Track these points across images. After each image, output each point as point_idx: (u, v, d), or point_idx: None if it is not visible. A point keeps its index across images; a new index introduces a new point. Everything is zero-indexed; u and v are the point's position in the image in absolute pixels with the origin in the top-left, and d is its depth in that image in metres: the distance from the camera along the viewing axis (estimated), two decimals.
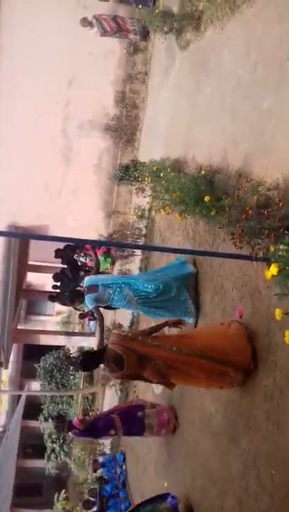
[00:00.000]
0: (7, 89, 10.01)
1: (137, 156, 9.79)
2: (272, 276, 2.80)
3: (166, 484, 6.36)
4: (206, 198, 4.46)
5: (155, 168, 6.37)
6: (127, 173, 8.07)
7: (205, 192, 4.65)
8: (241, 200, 4.07)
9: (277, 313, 2.92)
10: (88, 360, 4.62)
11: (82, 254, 9.82)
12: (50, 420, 15.00)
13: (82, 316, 9.63)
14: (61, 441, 14.01)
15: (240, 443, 4.38)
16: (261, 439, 3.99)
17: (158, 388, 7.09)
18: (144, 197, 7.12)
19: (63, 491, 13.55)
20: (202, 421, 5.37)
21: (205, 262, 5.72)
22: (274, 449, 3.78)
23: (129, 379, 4.55)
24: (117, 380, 4.78)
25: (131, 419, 6.24)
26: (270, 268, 2.74)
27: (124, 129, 10.25)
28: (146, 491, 7.48)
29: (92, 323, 11.52)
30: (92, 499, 9.19)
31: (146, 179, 6.73)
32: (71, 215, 10.17)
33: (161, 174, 5.96)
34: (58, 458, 14.12)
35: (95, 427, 6.20)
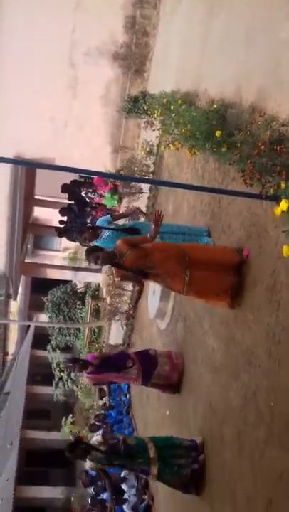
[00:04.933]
0: (10, 18, 9.43)
1: (146, 87, 9.36)
2: (282, 212, 2.74)
3: (168, 412, 6.67)
4: (217, 133, 4.29)
5: (165, 100, 6.09)
6: (136, 105, 7.74)
7: (216, 127, 4.47)
8: (254, 135, 3.91)
9: (285, 250, 2.89)
10: (93, 249, 4.78)
11: (90, 190, 9.70)
12: (58, 351, 15.60)
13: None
14: (68, 370, 14.60)
15: (240, 378, 4.52)
16: (261, 375, 4.11)
17: (163, 323, 7.25)
18: (154, 130, 6.88)
19: (70, 416, 14.33)
20: (205, 357, 5.52)
21: (213, 200, 5.62)
22: (274, 384, 3.90)
23: (134, 278, 4.72)
24: (120, 278, 4.94)
25: (144, 354, 6.34)
26: (280, 204, 2.67)
27: (133, 57, 9.72)
28: (149, 418, 7.89)
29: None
30: (97, 423, 9.73)
31: (156, 112, 6.46)
32: (77, 149, 9.93)
33: (172, 107, 5.71)
34: (66, 386, 14.80)
35: (111, 360, 6.19)
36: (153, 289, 7.52)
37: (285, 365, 3.75)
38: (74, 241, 11.97)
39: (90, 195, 9.56)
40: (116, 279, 5.81)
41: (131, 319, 9.28)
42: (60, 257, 15.57)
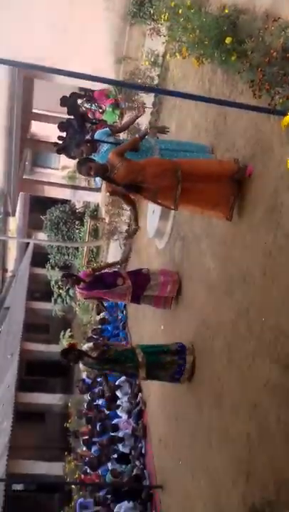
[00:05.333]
0: None
1: None
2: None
3: (162, 327, 6.93)
4: (228, 40, 4.02)
5: (173, 3, 5.63)
6: (142, 9, 7.17)
7: (227, 33, 4.18)
8: (265, 42, 3.66)
9: None
10: (84, 159, 4.72)
11: (91, 103, 9.30)
12: (56, 269, 15.85)
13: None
14: (67, 287, 14.93)
15: (234, 295, 4.63)
16: (255, 292, 4.21)
17: (161, 243, 7.29)
18: (160, 36, 6.44)
19: (68, 330, 14.93)
20: (200, 276, 5.62)
21: (218, 118, 5.41)
22: (266, 301, 4.00)
23: (124, 195, 4.63)
24: (112, 193, 4.84)
25: (136, 273, 6.42)
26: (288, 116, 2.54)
27: None
28: (144, 332, 8.21)
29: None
30: (94, 336, 10.14)
31: (163, 17, 6.01)
32: (78, 58, 9.36)
33: (180, 11, 5.29)
34: (64, 302, 15.22)
35: (103, 278, 6.28)
36: (152, 209, 7.48)
37: (279, 282, 3.82)
38: (73, 158, 11.71)
39: (91, 107, 9.15)
40: (106, 194, 5.61)
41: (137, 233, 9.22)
42: (59, 175, 15.29)
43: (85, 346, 5.57)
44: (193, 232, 6.10)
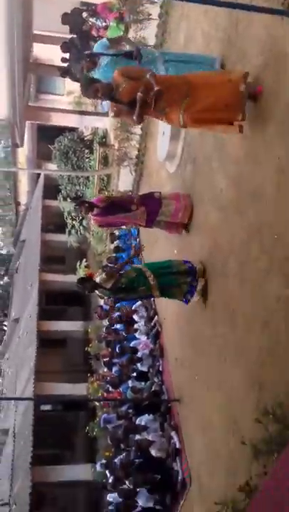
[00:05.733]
0: None
1: None
2: None
3: (175, 251, 6.96)
4: None
5: None
6: None
7: None
8: None
9: None
10: (88, 79, 4.55)
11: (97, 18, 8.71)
12: (68, 200, 15.76)
13: None
14: (80, 218, 14.93)
15: (246, 214, 4.57)
16: (267, 210, 4.14)
17: (172, 166, 7.13)
18: None
19: (84, 260, 15.13)
20: (212, 197, 5.53)
21: (230, 26, 5.03)
22: (279, 218, 3.94)
23: (129, 113, 4.42)
24: (117, 113, 4.64)
25: (149, 198, 6.32)
26: None
27: None
28: (158, 258, 8.26)
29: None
30: (110, 265, 10.28)
31: None
32: None
33: None
34: (78, 233, 15.26)
35: (116, 204, 6.23)
36: (163, 131, 7.23)
37: None
38: (79, 81, 11.21)
39: (96, 21, 8.56)
40: (111, 115, 5.30)
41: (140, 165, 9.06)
42: (65, 101, 14.71)
43: (98, 278, 5.65)
44: (204, 152, 5.92)
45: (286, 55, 3.86)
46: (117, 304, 9.43)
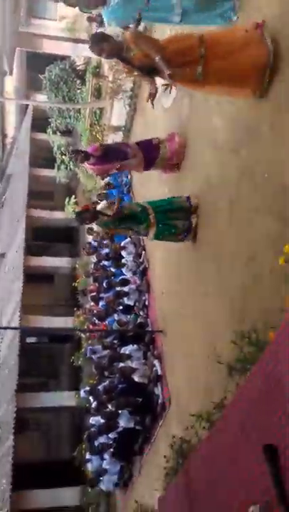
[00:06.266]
0: None
1: None
2: None
3: (166, 190, 7.00)
4: None
5: None
6: None
7: None
8: None
9: None
10: (100, 34, 4.29)
11: None
12: (58, 133, 15.38)
13: (89, 20, 8.66)
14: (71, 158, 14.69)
15: (240, 153, 4.61)
16: (261, 149, 4.19)
17: (168, 100, 7.00)
18: None
19: (73, 197, 15.03)
20: (207, 135, 5.51)
21: None
22: (272, 158, 4.00)
23: (140, 72, 4.24)
24: (128, 73, 4.48)
25: (146, 143, 6.31)
26: None
27: None
28: (150, 196, 8.29)
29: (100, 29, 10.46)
30: (99, 201, 10.27)
31: None
32: None
33: None
34: (68, 168, 15.02)
35: (112, 151, 6.17)
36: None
37: (286, 138, 3.78)
38: (72, 6, 10.62)
39: None
40: (123, 70, 4.97)
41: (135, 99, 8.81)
42: (57, 27, 13.96)
43: (100, 205, 5.69)
44: None
45: None
46: (105, 241, 9.57)
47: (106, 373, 8.19)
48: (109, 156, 6.12)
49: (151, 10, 4.72)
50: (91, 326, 10.01)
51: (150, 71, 4.13)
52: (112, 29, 5.15)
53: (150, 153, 6.22)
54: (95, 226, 5.82)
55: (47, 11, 14.61)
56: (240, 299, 4.37)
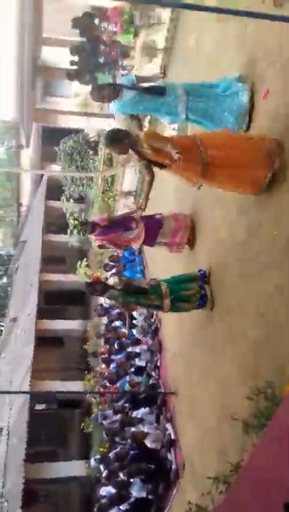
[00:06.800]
0: None
1: None
2: None
3: (180, 265, 7.08)
4: None
5: None
6: None
7: None
8: None
9: None
10: (116, 134, 4.48)
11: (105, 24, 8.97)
12: (71, 201, 15.97)
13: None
14: (82, 218, 15.18)
15: (248, 214, 4.77)
16: (266, 208, 4.35)
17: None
18: None
19: (85, 260, 15.30)
20: (215, 198, 5.71)
21: (240, 27, 5.26)
22: (278, 212, 4.15)
23: (147, 166, 4.55)
24: (139, 161, 4.74)
25: (150, 219, 6.56)
26: None
27: None
28: (159, 256, 8.44)
29: (111, 104, 11.16)
30: (111, 263, 10.47)
31: None
32: None
33: None
34: (80, 233, 15.42)
35: (117, 223, 6.43)
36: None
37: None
38: (86, 84, 11.45)
39: (108, 27, 8.81)
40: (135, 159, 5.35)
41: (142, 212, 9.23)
42: (72, 103, 14.96)
43: (111, 280, 5.80)
44: None
45: None
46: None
47: (117, 439, 7.91)
48: (114, 226, 6.38)
49: (158, 111, 5.15)
50: (102, 389, 9.80)
51: (156, 165, 4.40)
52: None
53: (152, 228, 6.44)
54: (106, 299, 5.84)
55: (62, 89, 15.69)
56: (253, 356, 4.33)
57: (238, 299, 4.84)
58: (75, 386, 12.98)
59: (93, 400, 10.77)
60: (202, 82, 5.17)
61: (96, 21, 9.45)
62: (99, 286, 5.50)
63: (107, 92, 5.12)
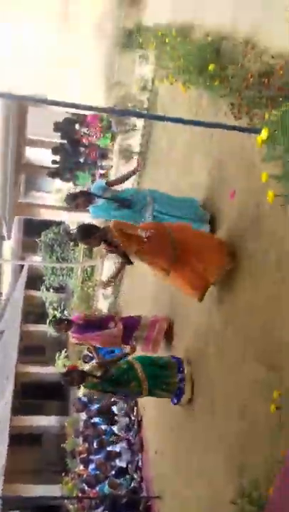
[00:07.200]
0: None
1: (142, 18, 9.06)
2: (263, 142, 2.90)
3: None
4: (211, 67, 4.38)
5: (160, 33, 6.04)
6: (131, 38, 7.59)
7: (210, 60, 4.54)
8: (245, 68, 4.02)
9: (264, 176, 3.10)
10: (86, 229, 4.70)
11: (85, 129, 9.67)
12: (51, 290, 16.02)
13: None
14: (62, 308, 15.13)
15: (223, 304, 4.87)
16: (239, 302, 4.46)
17: None
18: (148, 64, 6.81)
19: (64, 351, 15.00)
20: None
21: (207, 136, 5.74)
22: (249, 310, 4.26)
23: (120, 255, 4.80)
24: (109, 251, 4.96)
25: (128, 318, 6.72)
26: (261, 133, 2.83)
27: None
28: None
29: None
30: (90, 354, 10.24)
31: (151, 46, 6.41)
32: (69, 86, 9.76)
33: (167, 40, 5.69)
34: (56, 331, 15.24)
35: (94, 323, 6.47)
36: None
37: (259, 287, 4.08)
38: (67, 181, 12.07)
39: (88, 132, 9.52)
40: (103, 251, 5.65)
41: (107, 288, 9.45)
42: (53, 198, 15.62)
43: (88, 366, 5.66)
44: None
45: (254, 165, 4.43)
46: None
47: None
48: (91, 325, 6.36)
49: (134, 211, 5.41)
50: (80, 494, 9.11)
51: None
52: None
53: (130, 323, 6.52)
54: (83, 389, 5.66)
55: (44, 185, 16.45)
56: (238, 452, 4.16)
57: (218, 391, 4.76)
58: (52, 490, 12.08)
59: (71, 506, 9.96)
60: (169, 196, 5.57)
61: (76, 126, 10.16)
62: (76, 374, 5.22)
63: (80, 201, 5.42)
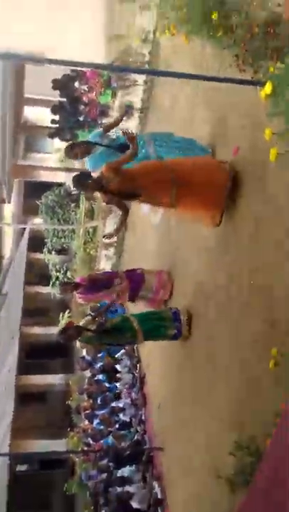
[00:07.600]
0: None
1: None
2: (266, 96, 2.81)
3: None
4: (214, 15, 4.20)
5: None
6: None
7: (213, 8, 4.35)
8: (249, 17, 3.86)
9: (267, 132, 3.02)
10: (81, 176, 4.81)
11: (84, 86, 9.41)
12: (53, 253, 16.03)
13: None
14: (65, 270, 15.19)
15: (226, 257, 4.88)
16: (246, 257, 4.47)
17: (156, 218, 7.49)
18: (150, 10, 6.55)
19: (67, 311, 15.16)
20: (195, 245, 5.85)
21: (209, 91, 5.58)
22: (254, 266, 4.27)
23: (119, 203, 4.80)
24: (108, 202, 4.99)
25: (132, 273, 6.70)
26: (265, 87, 2.74)
27: None
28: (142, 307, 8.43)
29: (86, 159, 11.54)
30: (93, 314, 10.37)
31: None
32: (68, 40, 9.41)
33: None
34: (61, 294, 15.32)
35: (100, 280, 6.55)
36: None
37: (264, 246, 4.07)
38: (67, 141, 11.82)
39: (87, 90, 9.27)
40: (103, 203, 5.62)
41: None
42: (53, 159, 15.37)
43: (83, 321, 5.79)
44: None
45: (261, 122, 4.33)
46: (100, 354, 9.47)
47: (102, 501, 7.56)
48: (96, 285, 6.41)
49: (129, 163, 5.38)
50: (85, 448, 9.44)
51: (130, 195, 4.59)
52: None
53: (135, 281, 6.54)
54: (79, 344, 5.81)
55: (43, 146, 16.16)
56: (237, 405, 4.29)
57: (219, 345, 4.85)
58: (58, 445, 12.50)
59: (77, 459, 10.35)
60: (170, 133, 5.49)
61: (76, 83, 9.89)
62: (71, 331, 5.38)
63: (79, 150, 5.37)
